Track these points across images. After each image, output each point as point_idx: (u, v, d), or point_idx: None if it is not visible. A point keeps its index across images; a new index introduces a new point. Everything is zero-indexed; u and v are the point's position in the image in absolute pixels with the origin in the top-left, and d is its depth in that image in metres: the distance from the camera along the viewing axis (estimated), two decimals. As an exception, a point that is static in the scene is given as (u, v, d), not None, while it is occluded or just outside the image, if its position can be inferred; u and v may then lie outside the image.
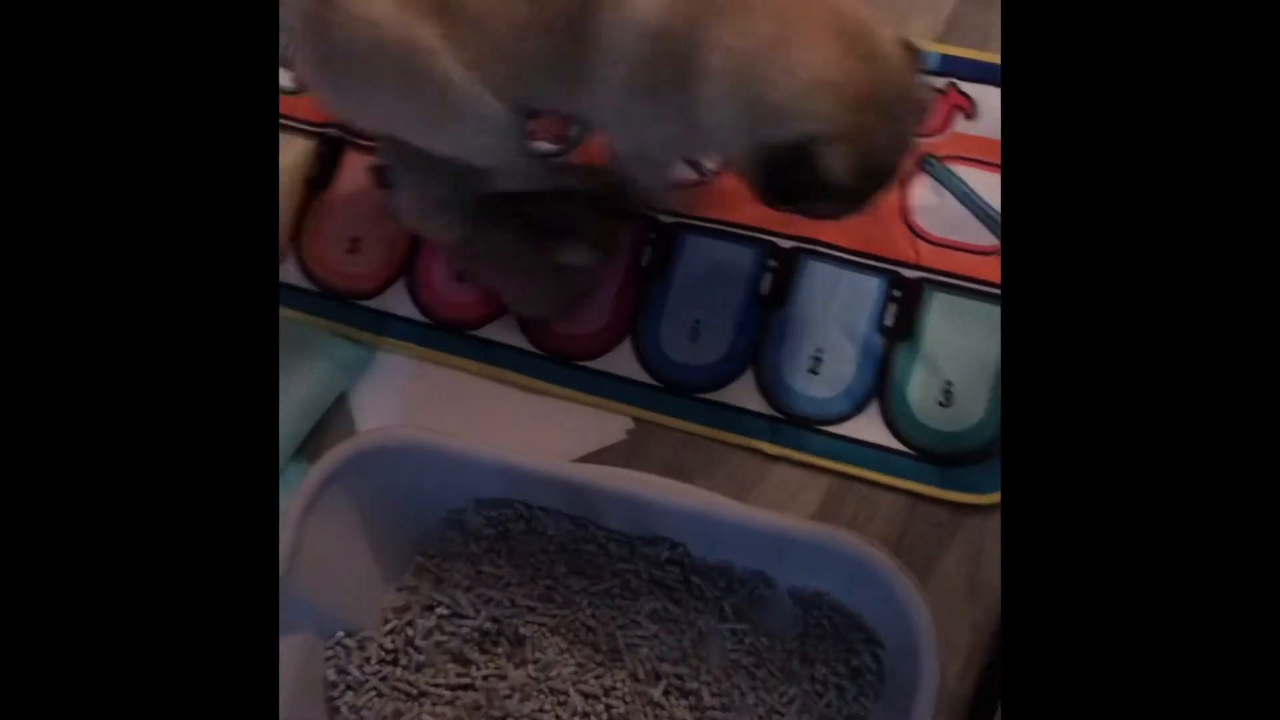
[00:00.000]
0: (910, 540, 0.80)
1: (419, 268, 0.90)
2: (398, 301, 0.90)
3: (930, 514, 0.81)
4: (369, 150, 0.93)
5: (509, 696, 0.76)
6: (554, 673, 0.76)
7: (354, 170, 0.93)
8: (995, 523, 0.80)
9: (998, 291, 0.84)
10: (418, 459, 0.75)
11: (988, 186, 0.87)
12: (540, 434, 0.84)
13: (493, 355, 0.88)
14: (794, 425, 0.84)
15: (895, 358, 0.84)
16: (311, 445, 0.87)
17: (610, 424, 0.86)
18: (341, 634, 0.76)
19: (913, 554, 0.79)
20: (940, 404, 0.83)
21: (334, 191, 0.93)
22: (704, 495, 0.74)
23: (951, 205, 0.87)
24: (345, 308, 0.90)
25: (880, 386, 0.84)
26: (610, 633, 0.77)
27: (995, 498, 0.80)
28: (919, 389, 0.83)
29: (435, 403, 0.87)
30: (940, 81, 0.90)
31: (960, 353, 0.83)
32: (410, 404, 0.87)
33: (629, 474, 0.74)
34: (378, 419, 0.87)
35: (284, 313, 0.90)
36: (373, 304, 0.90)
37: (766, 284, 0.87)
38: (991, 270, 0.85)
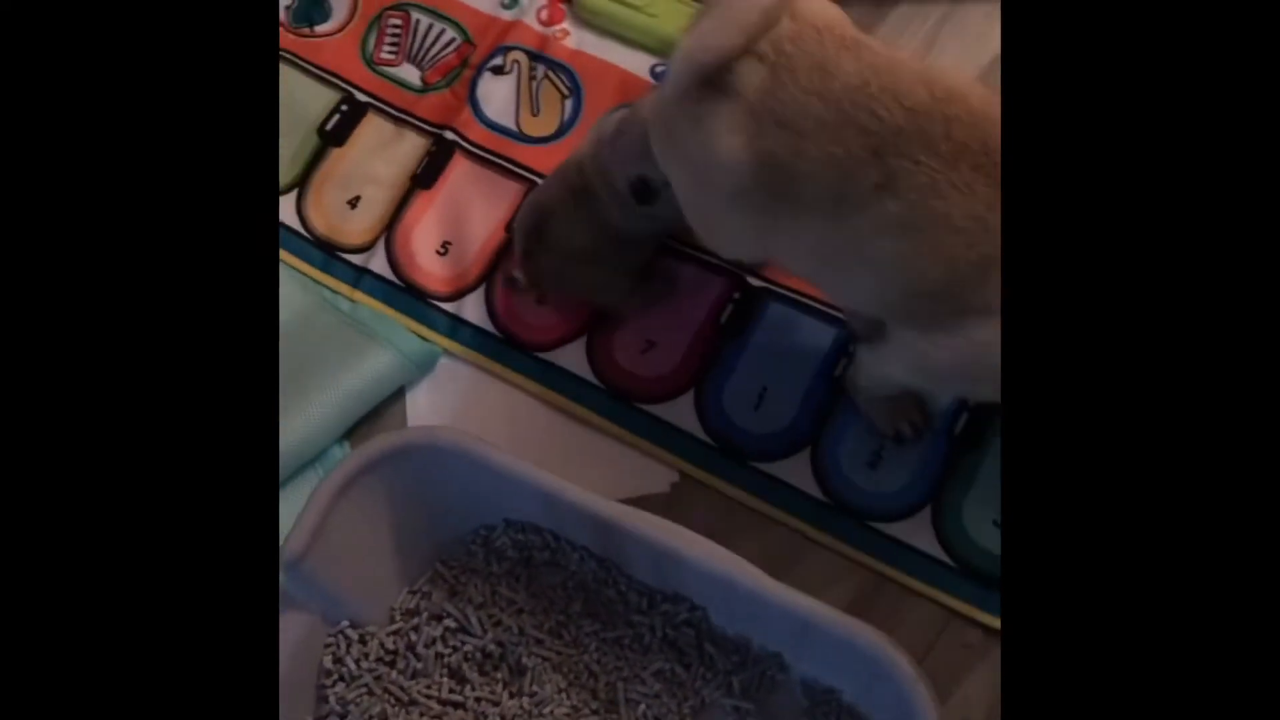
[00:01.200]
0: (937, 655, 0.77)
1: (499, 282, 0.91)
2: (473, 310, 0.90)
3: (963, 633, 0.77)
4: (477, 159, 0.94)
5: (497, 724, 0.74)
6: (547, 709, 0.74)
7: (459, 176, 0.94)
8: (1029, 656, 0.76)
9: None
10: (460, 465, 0.74)
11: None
12: (584, 468, 0.83)
13: (554, 380, 0.87)
14: (842, 514, 0.81)
15: (958, 468, 0.81)
16: (361, 431, 0.87)
17: (656, 473, 0.84)
18: (346, 623, 0.75)
19: (937, 670, 0.76)
20: (995, 523, 0.80)
21: (436, 192, 0.94)
22: (735, 562, 0.71)
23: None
24: (422, 305, 0.91)
25: (937, 494, 0.81)
26: (612, 682, 0.75)
27: (1034, 630, 0.76)
28: (975, 504, 0.80)
29: (488, 415, 0.87)
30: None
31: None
32: (464, 411, 0.87)
33: (665, 524, 0.72)
34: (430, 419, 0.87)
35: (360, 298, 0.91)
36: (449, 308, 0.90)
37: (842, 368, 0.85)
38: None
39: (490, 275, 0.91)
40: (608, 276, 0.85)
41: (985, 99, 0.64)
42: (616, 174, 0.80)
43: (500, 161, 0.94)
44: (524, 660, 0.75)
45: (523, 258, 0.86)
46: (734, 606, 0.73)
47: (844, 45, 0.65)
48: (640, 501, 0.82)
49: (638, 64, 0.96)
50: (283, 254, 0.93)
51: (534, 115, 0.95)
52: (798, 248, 0.70)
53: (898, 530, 0.80)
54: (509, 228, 0.90)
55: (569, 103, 0.95)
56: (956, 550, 0.80)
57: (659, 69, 0.95)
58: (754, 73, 0.65)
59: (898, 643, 0.68)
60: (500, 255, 0.91)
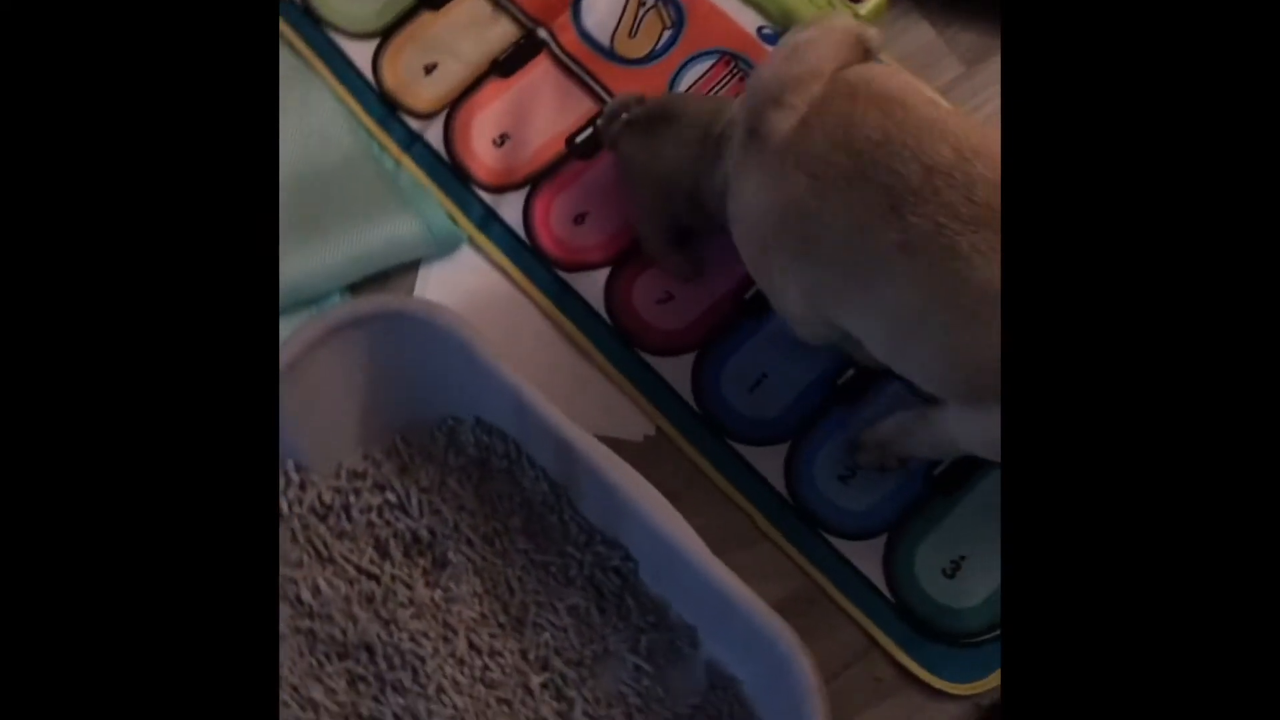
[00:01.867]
0: (847, 680, 0.76)
1: (543, 189, 0.90)
2: (510, 209, 0.89)
3: (878, 666, 0.77)
4: (560, 65, 0.93)
5: (404, 606, 0.74)
6: (455, 608, 0.74)
7: (538, 74, 0.93)
8: (931, 708, 0.76)
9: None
10: (447, 348, 0.74)
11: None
12: (564, 393, 0.83)
13: (566, 302, 0.86)
14: (799, 517, 0.81)
15: (925, 509, 0.80)
16: (366, 289, 0.87)
17: (633, 421, 0.84)
18: (291, 463, 0.75)
19: (841, 694, 0.76)
20: (945, 573, 0.79)
21: (511, 83, 0.93)
22: (681, 527, 0.71)
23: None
24: (462, 188, 0.90)
25: (897, 528, 0.80)
26: (525, 603, 0.75)
27: (943, 684, 0.76)
28: (931, 548, 0.80)
29: (491, 314, 0.86)
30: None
31: (990, 532, 0.79)
32: (470, 303, 0.86)
33: (626, 470, 0.72)
34: (435, 298, 0.86)
35: (406, 162, 0.90)
36: (488, 199, 0.89)
37: (847, 378, 0.84)
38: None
39: (538, 180, 0.90)
40: (657, 213, 0.84)
41: None
42: None
43: (582, 75, 0.93)
44: (450, 555, 0.75)
45: (625, 122, 0.84)
46: (666, 569, 0.73)
47: (874, 103, 0.64)
48: (610, 445, 0.81)
49: (747, 20, 0.94)
50: (345, 95, 0.92)
51: (630, 36, 0.94)
52: (854, 320, 0.69)
53: (847, 549, 0.80)
54: (569, 141, 0.89)
55: (667, 34, 0.94)
56: (899, 586, 0.79)
57: (765, 30, 0.93)
58: (784, 120, 0.65)
59: (812, 654, 0.67)
60: (552, 165, 0.90)
